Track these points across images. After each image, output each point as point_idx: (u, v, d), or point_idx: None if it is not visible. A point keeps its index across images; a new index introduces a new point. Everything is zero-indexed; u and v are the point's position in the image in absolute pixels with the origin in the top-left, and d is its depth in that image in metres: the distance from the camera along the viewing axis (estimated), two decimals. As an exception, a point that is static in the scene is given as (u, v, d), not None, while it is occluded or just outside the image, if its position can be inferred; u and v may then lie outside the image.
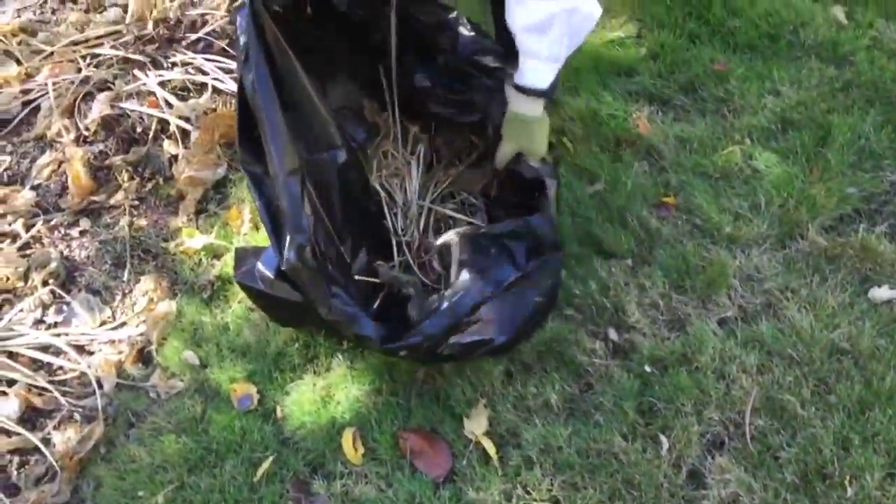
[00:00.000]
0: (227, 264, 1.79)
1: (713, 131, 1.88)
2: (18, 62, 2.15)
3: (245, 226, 1.85)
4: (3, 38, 2.18)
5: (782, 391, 1.48)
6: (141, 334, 1.70)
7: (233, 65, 2.11)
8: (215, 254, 1.82)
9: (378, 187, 1.71)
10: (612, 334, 1.58)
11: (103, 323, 1.74)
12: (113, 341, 1.71)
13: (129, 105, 2.05)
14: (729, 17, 2.07)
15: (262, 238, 1.82)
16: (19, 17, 2.29)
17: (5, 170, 1.96)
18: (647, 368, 1.52)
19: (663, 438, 1.43)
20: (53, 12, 2.32)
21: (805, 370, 1.51)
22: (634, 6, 2.12)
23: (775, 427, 1.45)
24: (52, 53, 2.16)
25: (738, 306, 1.61)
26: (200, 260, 1.81)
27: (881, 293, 1.62)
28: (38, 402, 1.61)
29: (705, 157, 1.84)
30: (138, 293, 1.78)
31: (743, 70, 1.99)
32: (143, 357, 1.69)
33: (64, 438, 1.55)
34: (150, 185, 1.96)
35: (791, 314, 1.59)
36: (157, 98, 2.05)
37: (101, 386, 1.63)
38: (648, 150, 1.87)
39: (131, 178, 1.95)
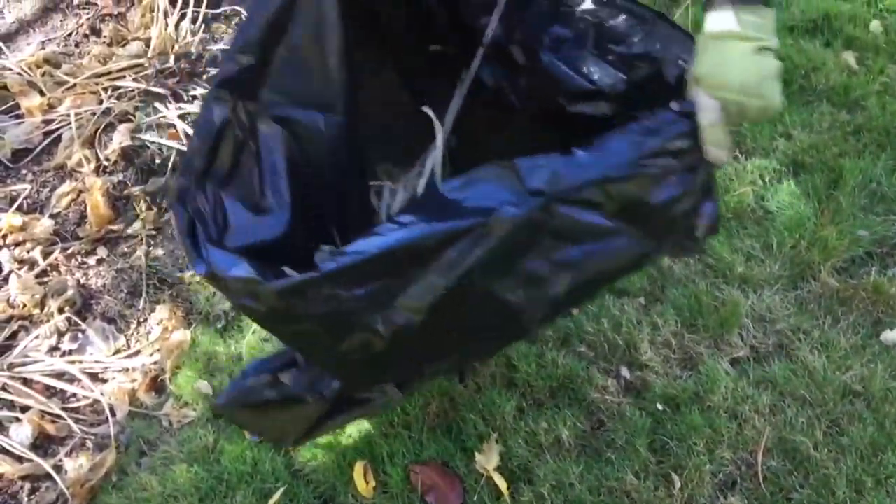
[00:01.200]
0: (241, 295, 1.80)
1: (725, 172, 1.90)
2: (41, 93, 2.18)
3: (260, 257, 1.86)
4: (27, 70, 2.22)
5: (795, 432, 1.48)
6: (155, 363, 1.72)
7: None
8: (230, 284, 1.83)
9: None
10: (625, 372, 1.59)
11: (118, 351, 1.75)
12: (127, 369, 1.72)
13: (149, 136, 2.08)
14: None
15: (276, 270, 1.84)
16: (44, 48, 2.33)
17: (25, 198, 1.98)
18: (660, 407, 1.52)
19: (675, 477, 1.43)
20: (77, 45, 2.36)
21: (817, 411, 1.51)
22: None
23: (788, 468, 1.44)
24: (74, 85, 2.19)
25: (751, 346, 1.61)
26: (215, 291, 1.82)
27: (893, 336, 1.63)
28: (50, 428, 1.62)
29: (718, 196, 1.85)
30: (153, 322, 1.79)
31: (755, 113, 2.01)
32: (157, 386, 1.69)
33: (76, 466, 1.55)
34: (167, 216, 1.98)
35: (803, 355, 1.60)
36: (176, 130, 2.08)
37: (113, 414, 1.63)
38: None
39: (149, 209, 1.98)
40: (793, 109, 2.01)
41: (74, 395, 1.68)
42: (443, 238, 0.94)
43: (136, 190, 1.99)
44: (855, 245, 1.76)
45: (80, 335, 1.77)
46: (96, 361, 1.73)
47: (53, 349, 1.75)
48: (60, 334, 1.76)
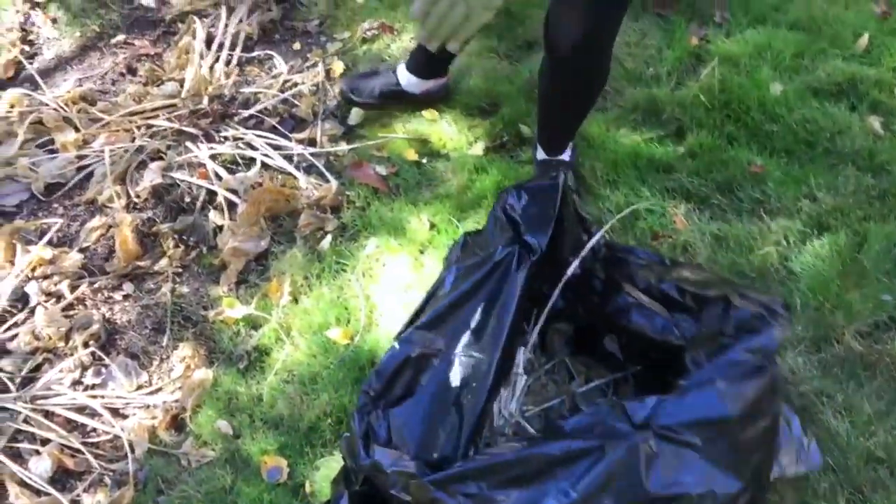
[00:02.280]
0: (265, 336, 1.82)
1: (749, 231, 1.91)
2: (76, 129, 2.23)
3: (284, 298, 1.88)
4: (63, 106, 2.27)
5: (817, 498, 1.46)
6: (176, 401, 1.72)
7: (280, 141, 2.18)
8: (254, 325, 1.85)
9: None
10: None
11: (139, 387, 1.76)
12: (148, 406, 1.73)
13: (180, 175, 2.11)
14: (767, 122, 2.12)
15: (300, 310, 1.85)
16: (81, 86, 2.38)
17: (56, 231, 2.01)
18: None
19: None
20: (113, 83, 2.42)
21: (840, 477, 1.50)
22: (675, 106, 2.17)
23: (810, 535, 1.43)
24: (109, 122, 2.24)
25: (774, 408, 1.60)
26: (239, 330, 1.84)
27: (918, 403, 1.61)
28: (70, 463, 1.62)
29: (741, 255, 1.86)
30: (176, 359, 1.80)
31: (780, 173, 2.02)
32: (177, 424, 1.70)
33: (93, 501, 1.56)
34: (193, 254, 2.00)
35: (827, 419, 1.59)
36: (206, 170, 2.12)
37: (133, 450, 1.64)
38: (685, 246, 1.90)
39: (176, 246, 2.00)
40: (818, 171, 2.02)
41: (95, 429, 1.69)
42: (562, 457, 1.20)
43: (164, 227, 2.01)
44: (879, 309, 1.75)
45: (103, 370, 1.78)
46: (118, 397, 1.74)
47: (76, 383, 1.76)
48: (84, 368, 1.78)
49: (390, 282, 1.89)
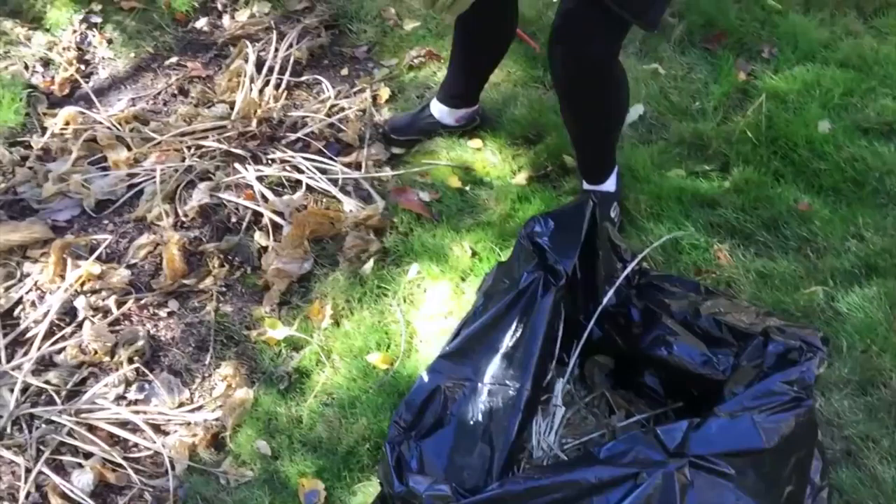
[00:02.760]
0: (305, 357, 1.83)
1: (795, 270, 1.89)
2: (128, 147, 2.28)
3: (326, 321, 1.90)
4: (117, 125, 2.33)
5: (862, 544, 1.43)
6: (217, 419, 1.74)
7: (327, 165, 2.21)
8: (295, 346, 1.87)
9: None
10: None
11: (181, 404, 1.79)
12: (189, 423, 1.75)
13: (227, 196, 2.15)
14: (814, 160, 2.10)
15: (341, 334, 1.87)
16: (134, 105, 2.44)
17: (105, 247, 2.05)
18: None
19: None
20: (165, 104, 2.47)
21: (886, 525, 1.47)
22: (720, 141, 2.16)
23: (854, 582, 1.40)
24: (160, 142, 2.29)
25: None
26: (280, 351, 1.86)
27: (967, 451, 1.58)
28: (111, 477, 1.64)
29: (786, 294, 1.84)
30: (217, 378, 1.82)
31: (827, 212, 2.00)
32: (217, 442, 1.72)
33: (133, 517, 1.57)
34: (238, 274, 2.03)
35: (872, 464, 1.56)
36: (253, 191, 2.15)
37: (173, 467, 1.66)
38: (728, 282, 1.89)
39: (221, 266, 2.03)
40: (865, 211, 1.99)
41: (136, 445, 1.71)
42: (597, 484, 1.21)
43: (210, 247, 2.05)
44: (928, 354, 1.72)
45: (146, 386, 1.81)
46: (160, 413, 1.76)
47: (120, 398, 1.78)
48: (128, 383, 1.80)
49: (431, 308, 1.90)
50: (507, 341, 1.47)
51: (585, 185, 2.04)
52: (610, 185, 2.02)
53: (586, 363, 1.68)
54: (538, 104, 2.34)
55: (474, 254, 2.00)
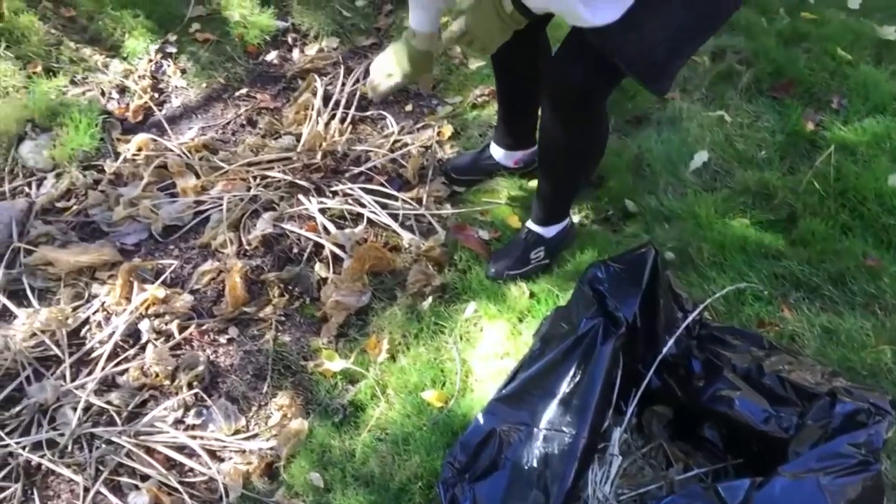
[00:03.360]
0: (361, 391, 1.84)
1: (862, 327, 1.84)
2: (197, 175, 2.34)
3: (382, 355, 1.90)
4: (187, 153, 2.39)
5: None
6: (271, 448, 1.75)
7: (387, 199, 2.24)
8: (351, 379, 1.88)
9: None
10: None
11: (237, 431, 1.80)
12: (244, 451, 1.76)
13: (290, 226, 2.18)
14: (884, 214, 2.06)
15: (396, 369, 1.87)
16: (204, 134, 2.50)
17: (171, 272, 2.09)
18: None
19: None
20: (234, 133, 2.53)
21: None
22: (787, 191, 2.13)
23: None
24: (227, 171, 2.34)
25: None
26: (336, 383, 1.87)
27: None
28: (166, 501, 1.66)
29: (853, 352, 1.79)
30: (273, 407, 1.84)
31: (896, 269, 1.96)
32: (271, 472, 1.73)
33: (186, 542, 1.59)
34: (297, 304, 2.06)
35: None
36: (316, 223, 2.18)
37: (227, 494, 1.67)
38: (792, 336, 1.85)
39: (281, 295, 2.06)
40: (935, 269, 1.95)
41: (192, 470, 1.73)
42: None
43: (271, 276, 2.08)
44: None
45: (204, 411, 1.83)
46: (216, 439, 1.78)
47: (178, 422, 1.81)
48: (187, 408, 1.83)
49: (487, 348, 1.90)
50: (565, 387, 1.46)
51: (529, 223, 2.06)
52: (550, 231, 2.04)
53: (644, 413, 1.66)
54: (601, 147, 2.34)
55: (532, 295, 2.00)
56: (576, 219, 2.17)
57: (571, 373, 1.46)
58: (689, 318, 1.60)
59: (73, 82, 2.63)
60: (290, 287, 2.08)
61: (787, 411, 1.48)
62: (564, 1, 1.48)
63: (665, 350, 1.55)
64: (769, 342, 1.63)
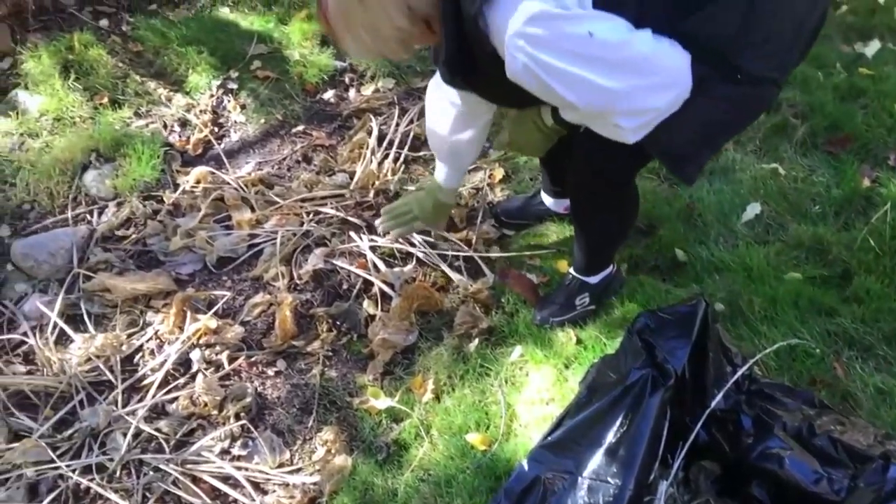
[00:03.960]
0: (405, 430, 1.85)
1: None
2: (252, 209, 2.39)
3: (427, 395, 1.91)
4: (243, 186, 2.45)
5: None
6: (314, 483, 1.76)
7: (438, 240, 2.26)
8: (396, 418, 1.88)
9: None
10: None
11: (281, 465, 1.82)
12: (287, 485, 1.78)
13: (341, 262, 2.22)
14: (942, 274, 2.03)
15: (441, 409, 1.88)
16: (261, 169, 2.56)
17: (223, 303, 2.13)
18: None
19: None
20: (289, 169, 2.58)
21: None
22: (841, 247, 2.11)
23: None
24: (281, 206, 2.39)
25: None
26: (381, 421, 1.88)
27: None
28: (210, 530, 1.68)
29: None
30: (318, 442, 1.85)
31: (954, 330, 1.92)
32: (313, 507, 1.74)
33: (228, 573, 1.60)
34: (345, 340, 2.08)
35: None
36: (366, 260, 2.21)
37: (269, 528, 1.68)
38: (844, 395, 1.81)
39: (329, 330, 2.08)
40: None
41: (236, 501, 1.75)
42: None
43: (320, 311, 2.10)
44: None
45: (250, 443, 1.85)
46: (261, 471, 1.80)
47: (225, 452, 1.83)
48: (233, 438, 1.85)
49: (532, 393, 1.89)
50: (611, 437, 1.45)
51: (571, 270, 2.05)
52: (594, 278, 2.03)
53: (691, 467, 1.64)
54: (652, 195, 2.34)
55: (579, 341, 2.00)
56: (624, 266, 2.16)
57: (618, 423, 1.45)
58: (739, 373, 1.58)
59: (137, 114, 2.72)
60: (339, 322, 2.11)
61: (838, 473, 1.45)
62: (605, 123, 1.49)
63: (714, 404, 1.54)
64: (821, 401, 1.60)
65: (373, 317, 2.10)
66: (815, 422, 1.52)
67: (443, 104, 1.89)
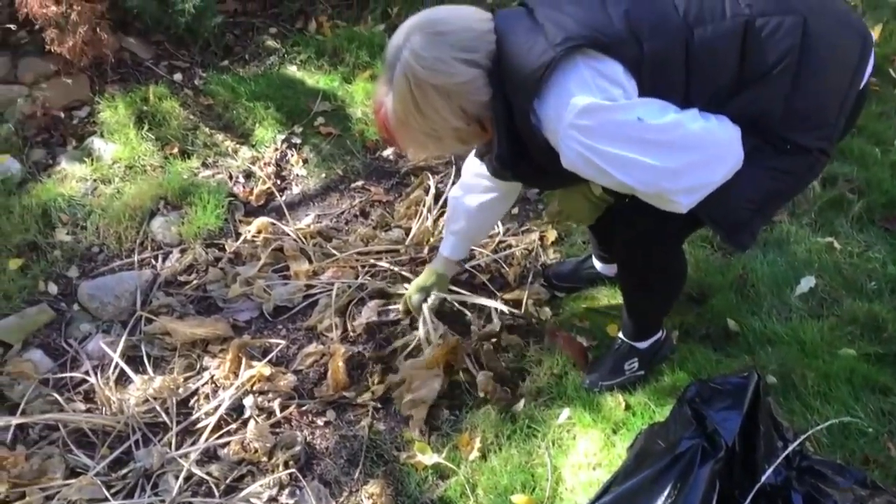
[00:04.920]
0: (450, 488, 1.86)
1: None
2: (310, 260, 2.45)
3: (473, 453, 1.92)
4: (302, 238, 2.52)
5: None
6: (359, 536, 1.78)
7: (490, 299, 2.29)
8: (442, 474, 1.90)
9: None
10: None
11: (327, 515, 1.84)
12: (332, 536, 1.79)
13: (394, 316, 2.25)
14: None
15: (487, 468, 1.88)
16: (319, 222, 2.64)
17: (278, 351, 2.18)
18: None
19: None
20: (347, 223, 2.65)
21: None
22: (899, 323, 2.09)
23: None
24: (338, 258, 2.45)
25: None
26: (427, 477, 1.89)
27: None
28: (255, 577, 1.70)
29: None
30: (364, 495, 1.87)
31: None
32: (357, 560, 1.75)
33: None
34: (394, 393, 2.10)
35: None
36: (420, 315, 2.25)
37: (313, 578, 1.69)
38: (899, 476, 1.78)
39: (380, 383, 2.11)
40: None
41: (282, 549, 1.77)
42: None
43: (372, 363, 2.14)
44: None
45: (297, 491, 1.88)
46: (307, 521, 1.82)
47: (272, 500, 1.86)
48: (282, 486, 1.88)
49: (579, 456, 1.90)
50: None
51: (620, 334, 2.05)
52: (643, 344, 2.03)
53: (742, 541, 1.62)
54: (705, 264, 2.35)
55: (628, 407, 1.99)
56: (675, 333, 2.16)
57: (666, 493, 1.45)
58: (791, 447, 1.56)
59: (204, 165, 2.83)
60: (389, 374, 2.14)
61: None
62: (661, 199, 1.50)
63: (764, 478, 1.52)
64: (873, 481, 1.58)
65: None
66: (866, 502, 1.50)
67: (478, 181, 2.05)
